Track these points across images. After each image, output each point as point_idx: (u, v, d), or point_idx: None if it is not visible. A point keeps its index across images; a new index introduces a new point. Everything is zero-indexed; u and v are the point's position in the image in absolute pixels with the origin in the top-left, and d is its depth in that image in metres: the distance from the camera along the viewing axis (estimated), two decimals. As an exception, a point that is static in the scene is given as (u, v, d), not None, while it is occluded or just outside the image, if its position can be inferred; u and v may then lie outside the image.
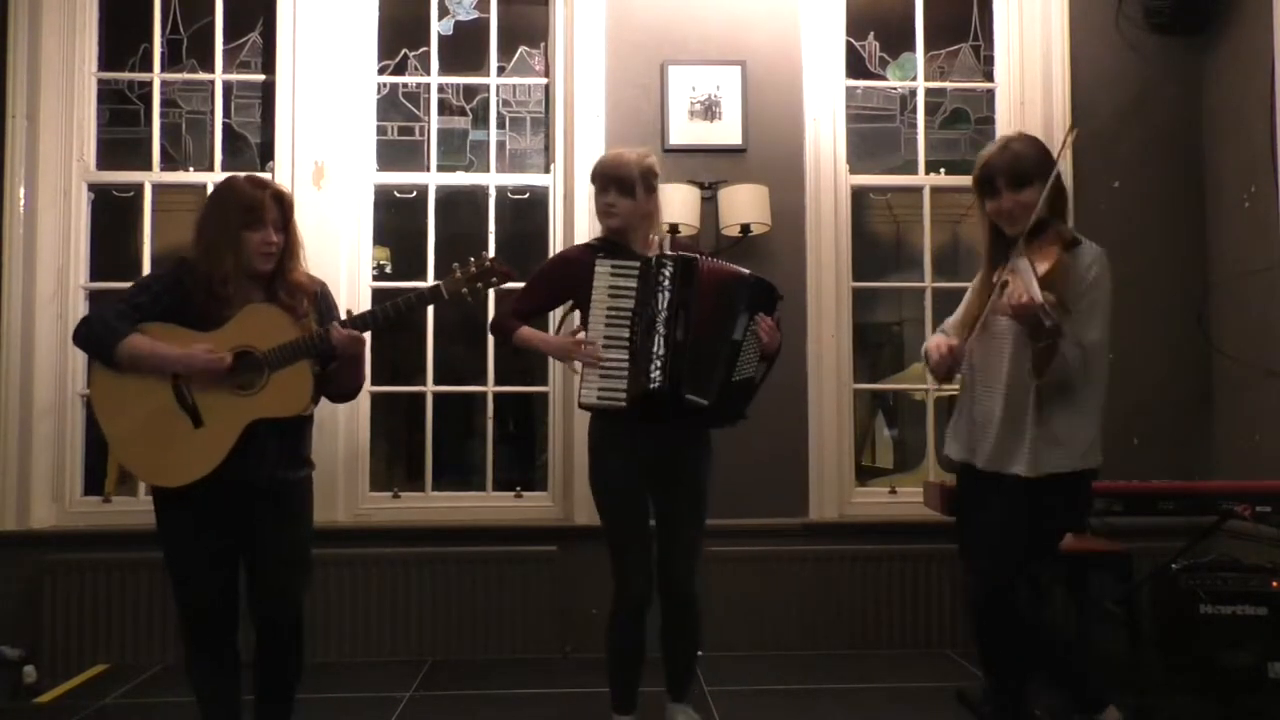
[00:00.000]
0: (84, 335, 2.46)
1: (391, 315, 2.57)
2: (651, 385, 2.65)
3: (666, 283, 2.68)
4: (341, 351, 2.49)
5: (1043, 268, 2.38)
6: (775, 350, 2.79)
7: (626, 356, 2.68)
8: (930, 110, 4.35)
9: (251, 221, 2.45)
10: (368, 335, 2.58)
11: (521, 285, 2.91)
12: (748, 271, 2.78)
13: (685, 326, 2.66)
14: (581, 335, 2.78)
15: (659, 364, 2.65)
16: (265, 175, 2.74)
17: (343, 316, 2.59)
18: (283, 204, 2.51)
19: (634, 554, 2.76)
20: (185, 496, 2.44)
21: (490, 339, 4.07)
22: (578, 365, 2.78)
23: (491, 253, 4.01)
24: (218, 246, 2.45)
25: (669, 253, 2.77)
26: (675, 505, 2.80)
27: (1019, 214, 2.48)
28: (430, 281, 4.06)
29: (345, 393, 2.69)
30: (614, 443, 2.77)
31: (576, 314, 2.91)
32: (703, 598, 2.91)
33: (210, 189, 3.96)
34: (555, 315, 3.33)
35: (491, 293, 2.70)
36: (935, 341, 2.62)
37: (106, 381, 2.46)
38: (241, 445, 2.43)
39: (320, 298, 2.61)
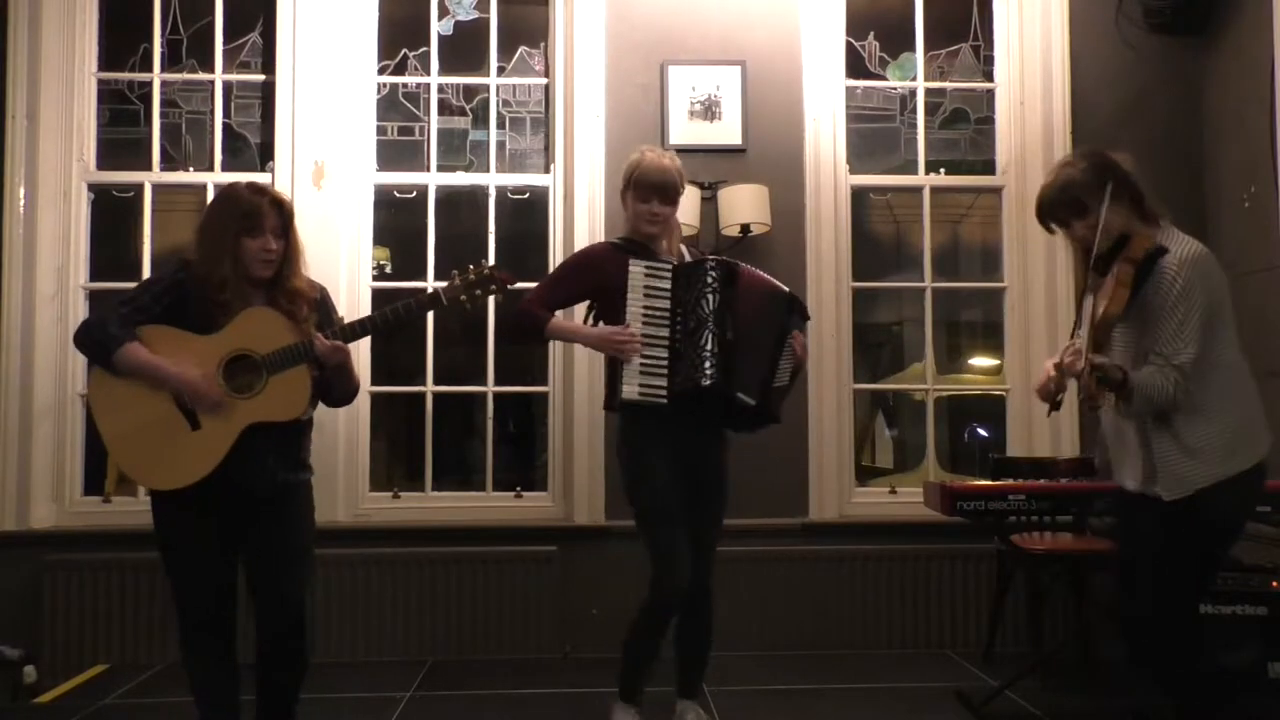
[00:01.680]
0: (84, 340, 2.45)
1: (392, 320, 2.56)
2: (705, 382, 2.68)
3: (713, 284, 2.72)
4: (325, 361, 2.48)
5: (1100, 309, 2.29)
6: (802, 366, 2.94)
7: (666, 354, 2.71)
8: (930, 110, 4.35)
9: (250, 228, 2.45)
10: (366, 340, 2.56)
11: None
12: (783, 287, 2.90)
13: (734, 328, 2.72)
14: (624, 330, 2.76)
15: (711, 361, 2.68)
16: (266, 182, 2.72)
17: (343, 323, 2.58)
18: (282, 211, 2.50)
19: (679, 544, 2.75)
20: (184, 499, 2.43)
21: (492, 336, 4.10)
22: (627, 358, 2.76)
23: (491, 259, 4.05)
24: (216, 252, 2.45)
25: (710, 256, 2.86)
26: (705, 501, 2.85)
27: (1092, 237, 2.38)
28: (430, 282, 4.08)
29: (339, 399, 2.68)
30: (654, 438, 2.78)
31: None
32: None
33: (210, 189, 4.03)
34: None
35: (491, 300, 2.68)
36: (1046, 365, 2.47)
37: (105, 382, 2.46)
38: (239, 449, 2.42)
39: (320, 303, 2.60)
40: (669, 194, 2.83)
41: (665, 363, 2.71)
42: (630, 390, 2.72)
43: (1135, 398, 2.27)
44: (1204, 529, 2.34)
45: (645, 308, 2.74)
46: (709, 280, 2.73)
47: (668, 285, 2.76)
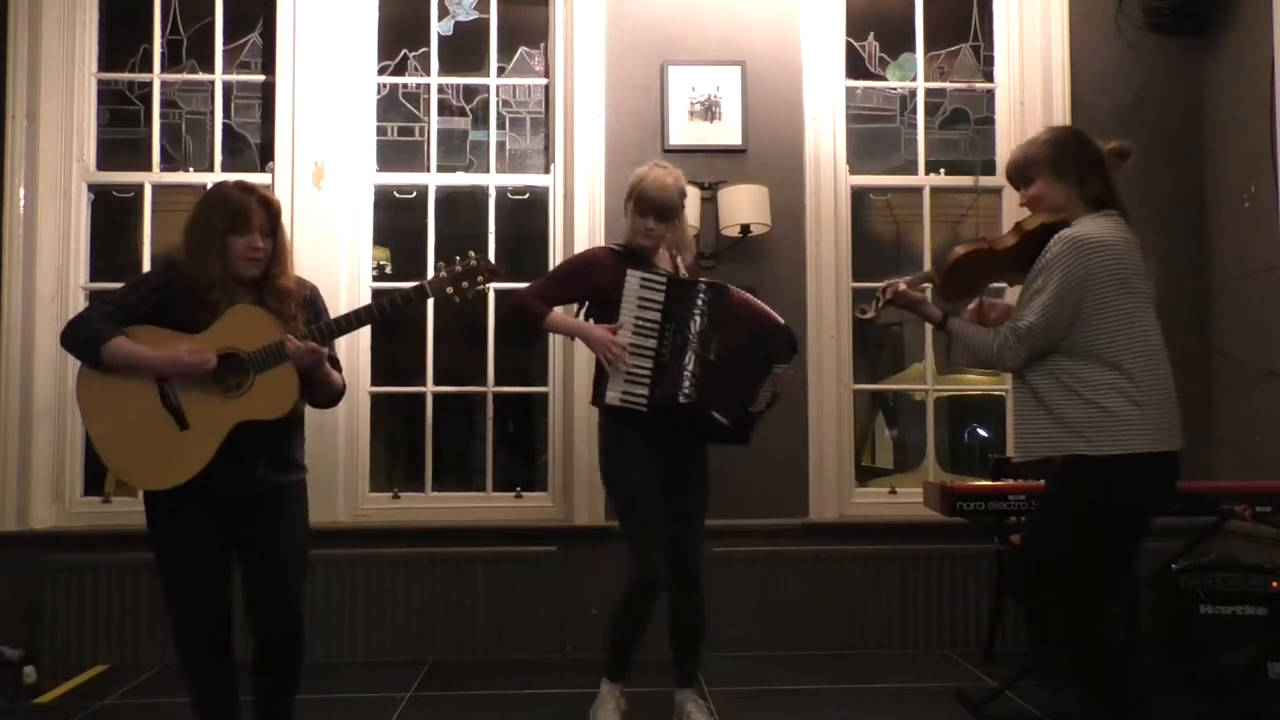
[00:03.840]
0: (70, 338, 2.43)
1: (376, 316, 2.54)
2: (682, 398, 2.83)
3: (703, 306, 2.86)
4: (297, 364, 2.43)
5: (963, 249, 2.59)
6: (779, 397, 3.02)
7: (651, 365, 2.84)
8: (930, 110, 4.35)
9: (237, 227, 2.42)
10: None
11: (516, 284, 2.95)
12: (780, 319, 3.00)
13: (717, 350, 2.85)
14: (620, 336, 2.86)
15: (690, 379, 2.83)
16: (254, 181, 2.69)
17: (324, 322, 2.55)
18: (270, 209, 2.48)
19: (653, 539, 2.88)
20: (177, 500, 2.42)
21: (492, 336, 4.10)
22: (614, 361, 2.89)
23: (490, 254, 4.04)
24: (204, 251, 2.42)
25: (702, 280, 2.94)
26: (685, 500, 2.96)
27: (1030, 208, 2.56)
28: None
29: (320, 402, 2.63)
30: (632, 440, 2.89)
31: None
32: (706, 592, 3.02)
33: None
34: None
35: (491, 289, 2.69)
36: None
37: (93, 382, 2.44)
38: (229, 449, 2.40)
39: (310, 301, 2.58)
40: (666, 214, 2.91)
41: (649, 373, 2.84)
42: (613, 396, 2.85)
43: (954, 344, 2.51)
44: (1053, 496, 2.49)
45: (637, 318, 2.86)
46: (699, 302, 2.86)
47: (660, 298, 2.87)
